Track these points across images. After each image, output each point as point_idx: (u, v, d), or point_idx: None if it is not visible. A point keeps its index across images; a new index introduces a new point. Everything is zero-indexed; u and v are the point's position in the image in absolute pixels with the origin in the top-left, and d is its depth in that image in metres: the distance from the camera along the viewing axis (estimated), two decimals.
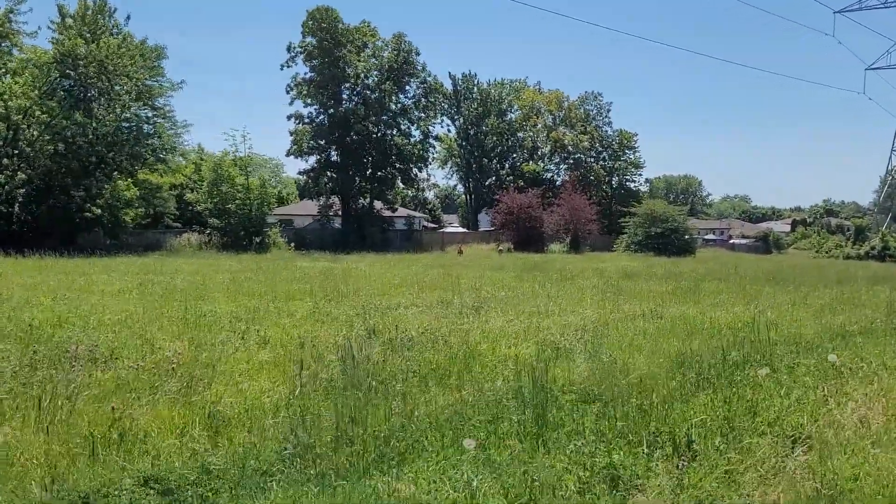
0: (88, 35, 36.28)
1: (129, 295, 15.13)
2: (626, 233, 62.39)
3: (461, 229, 74.74)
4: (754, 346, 10.05)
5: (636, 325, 12.40)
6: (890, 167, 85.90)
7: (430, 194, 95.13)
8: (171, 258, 31.75)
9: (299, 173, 58.83)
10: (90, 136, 34.93)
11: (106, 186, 34.89)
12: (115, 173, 35.91)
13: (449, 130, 75.44)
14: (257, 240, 43.92)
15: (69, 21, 36.89)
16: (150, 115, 40.33)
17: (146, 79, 38.71)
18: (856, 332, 12.09)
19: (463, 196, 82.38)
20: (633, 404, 6.76)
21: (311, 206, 58.35)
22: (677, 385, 7.63)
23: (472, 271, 27.52)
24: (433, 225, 79.23)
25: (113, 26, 38.66)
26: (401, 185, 60.48)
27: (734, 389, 7.26)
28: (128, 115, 39.31)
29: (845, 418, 5.94)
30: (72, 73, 34.96)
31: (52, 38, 36.50)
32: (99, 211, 34.50)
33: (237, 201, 43.74)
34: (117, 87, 36.50)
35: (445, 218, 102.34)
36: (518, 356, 9.13)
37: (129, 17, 41.08)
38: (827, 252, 73.94)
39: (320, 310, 13.75)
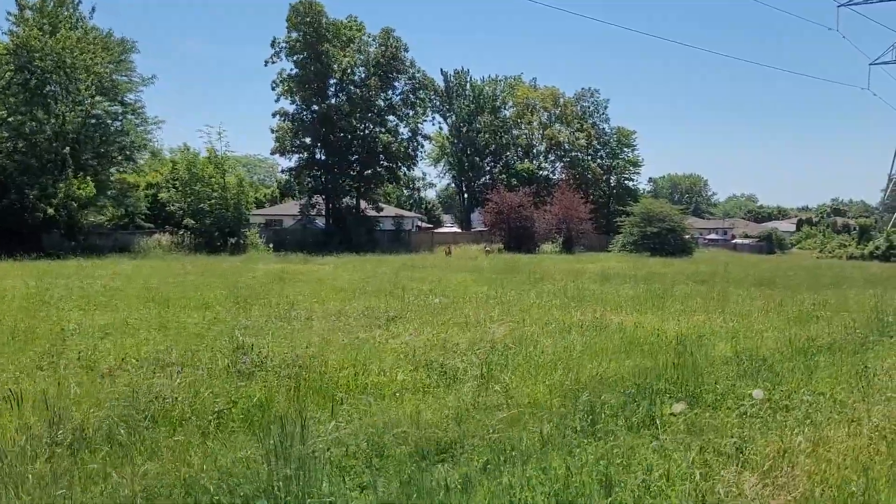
0: (48, 27, 34.69)
1: (6, 304, 13.47)
2: (622, 232, 60.40)
3: (454, 229, 72.89)
4: (690, 367, 8.26)
5: (568, 339, 10.63)
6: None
7: (431, 194, 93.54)
8: (126, 260, 30.18)
9: (282, 172, 57.29)
10: (49, 133, 33.31)
11: (60, 185, 33.20)
12: (71, 171, 34.10)
13: (441, 128, 73.63)
14: (232, 241, 42.23)
15: (28, 13, 35.35)
16: (119, 110, 38.62)
17: (113, 73, 37.07)
18: (822, 348, 10.27)
19: (457, 195, 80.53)
20: (475, 464, 5.00)
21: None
22: (554, 427, 5.86)
23: (439, 273, 25.81)
24: (428, 225, 77.43)
25: (77, 19, 37.08)
26: (389, 185, 58.67)
27: (620, 439, 5.49)
28: (97, 111, 37.63)
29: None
30: (28, 67, 33.37)
31: (10, 30, 34.97)
32: (52, 211, 32.82)
33: (212, 201, 42.05)
34: (80, 81, 34.76)
35: (446, 218, 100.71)
36: (383, 386, 7.38)
37: (93, 10, 39.19)
38: (830, 252, 71.50)
39: (218, 320, 12.09)
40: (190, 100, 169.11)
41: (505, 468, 4.95)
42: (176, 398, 6.11)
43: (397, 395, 7.05)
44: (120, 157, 38.79)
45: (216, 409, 6.01)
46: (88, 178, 34.59)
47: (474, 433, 5.87)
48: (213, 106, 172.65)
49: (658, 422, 5.94)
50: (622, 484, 4.25)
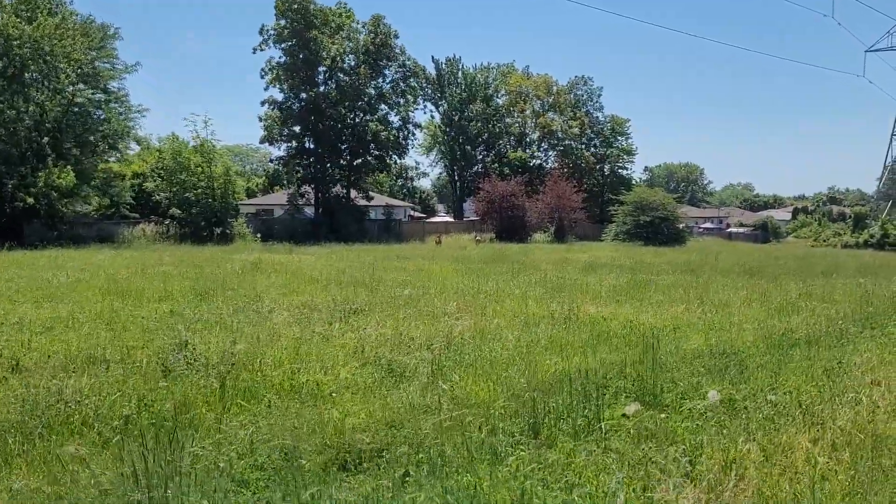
0: (26, 13, 33.90)
1: None
2: (615, 221, 59.86)
3: (447, 219, 72.33)
4: (654, 363, 7.77)
5: (533, 332, 10.13)
6: (890, 153, 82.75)
7: (425, 183, 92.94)
8: (106, 250, 29.59)
9: (270, 161, 56.47)
10: (28, 122, 32.60)
11: (39, 174, 32.50)
12: (51, 160, 33.38)
13: (432, 116, 72.78)
14: (219, 231, 41.63)
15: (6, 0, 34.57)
16: (102, 98, 37.81)
17: (95, 60, 36.27)
18: (801, 341, 9.79)
19: (449, 185, 79.76)
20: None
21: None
22: (490, 433, 5.37)
23: (422, 263, 25.27)
24: (421, 215, 76.83)
25: (56, 4, 36.24)
26: (380, 174, 58.00)
27: (559, 447, 5.00)
28: (81, 99, 36.85)
29: None
30: (7, 55, 32.59)
31: None
32: (32, 200, 32.13)
33: (198, 190, 41.43)
34: (62, 69, 33.93)
35: (440, 207, 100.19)
36: (321, 385, 6.88)
37: None
38: (825, 240, 71.13)
39: (174, 313, 11.58)
40: (188, 90, 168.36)
41: (426, 481, 4.46)
42: (79, 401, 5.59)
43: (333, 395, 6.55)
44: (103, 146, 38.03)
45: (124, 414, 5.50)
46: (69, 167, 33.88)
47: (405, 439, 5.38)
48: (210, 96, 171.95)
49: (603, 426, 5.44)
50: None
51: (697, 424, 5.60)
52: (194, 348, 7.67)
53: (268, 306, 12.54)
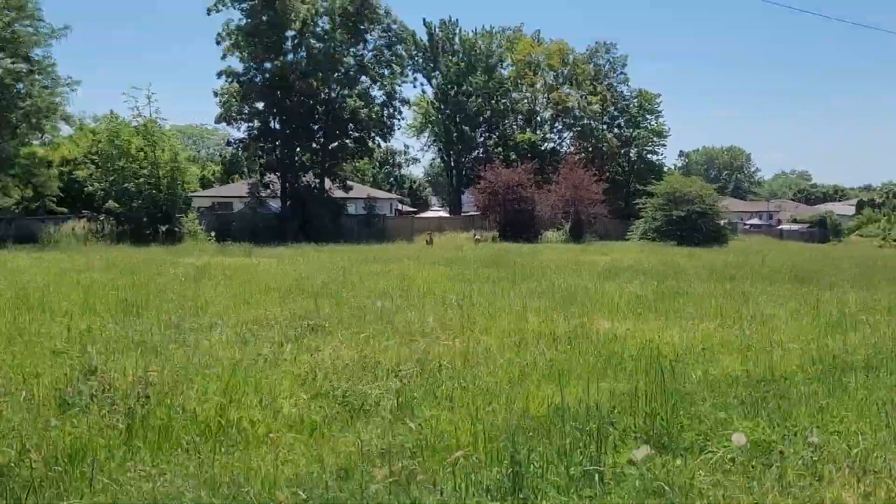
0: None
1: None
2: (643, 217, 59.82)
3: (441, 213, 72.23)
4: (674, 394, 7.53)
5: (532, 354, 9.92)
6: None
7: (417, 171, 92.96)
8: (24, 253, 29.38)
9: (228, 144, 56.21)
10: None
11: None
12: None
13: (424, 91, 72.74)
14: (164, 228, 41.48)
15: None
16: (22, 68, 37.48)
17: (13, 22, 35.94)
18: (858, 365, 9.56)
19: (444, 173, 79.70)
20: None
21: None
22: (462, 486, 5.12)
23: (407, 267, 25.11)
24: (411, 209, 76.77)
25: None
26: (361, 160, 57.93)
27: None
28: None
29: None
30: None
31: None
32: None
33: (139, 180, 41.27)
34: None
35: (434, 200, 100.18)
36: (257, 424, 6.63)
37: None
38: (895, 240, 71.16)
39: (91, 330, 11.32)
40: (137, 60, 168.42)
41: None
42: None
43: (270, 436, 6.29)
44: (24, 126, 37.75)
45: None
46: None
47: (351, 496, 5.12)
48: (157, 64, 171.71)
49: (602, 476, 5.20)
50: None
51: (718, 477, 5.34)
52: (103, 376, 7.42)
53: (209, 322, 12.30)
